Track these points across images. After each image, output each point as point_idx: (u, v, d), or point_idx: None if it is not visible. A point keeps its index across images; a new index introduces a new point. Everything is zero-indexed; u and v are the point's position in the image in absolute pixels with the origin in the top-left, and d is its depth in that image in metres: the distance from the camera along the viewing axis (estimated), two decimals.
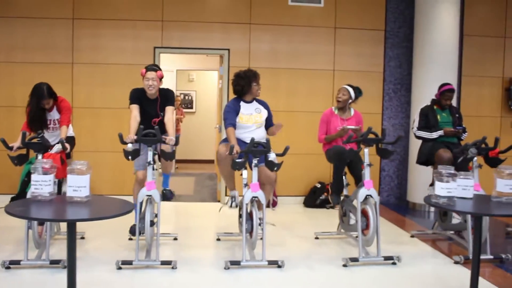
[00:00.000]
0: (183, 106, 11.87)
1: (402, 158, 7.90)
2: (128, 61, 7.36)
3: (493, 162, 5.18)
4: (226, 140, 5.13)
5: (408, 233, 6.04)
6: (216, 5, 7.55)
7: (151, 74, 5.03)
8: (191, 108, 11.95)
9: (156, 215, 4.94)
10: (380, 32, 7.82)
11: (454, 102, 7.31)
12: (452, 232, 5.67)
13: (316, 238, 5.73)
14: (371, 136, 4.98)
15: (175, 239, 5.55)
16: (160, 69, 5.14)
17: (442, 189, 3.59)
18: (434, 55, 7.30)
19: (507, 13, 8.06)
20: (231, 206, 5.34)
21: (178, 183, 9.55)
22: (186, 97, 11.98)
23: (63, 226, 5.52)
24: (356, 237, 5.16)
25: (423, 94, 7.15)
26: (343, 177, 5.42)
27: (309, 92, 7.58)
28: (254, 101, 5.30)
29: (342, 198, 5.49)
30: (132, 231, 5.29)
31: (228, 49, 7.53)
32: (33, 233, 4.68)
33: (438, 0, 7.27)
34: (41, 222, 4.78)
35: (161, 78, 5.12)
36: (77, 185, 3.33)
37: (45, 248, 4.60)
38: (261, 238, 5.48)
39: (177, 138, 4.77)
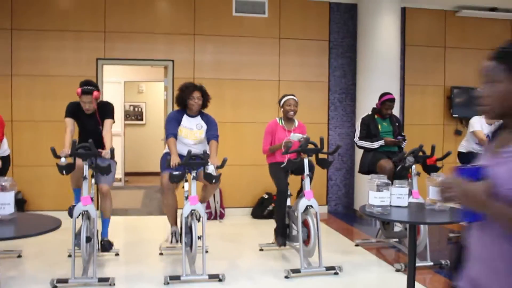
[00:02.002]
0: (132, 118, 11.70)
1: (349, 167, 7.96)
2: (70, 72, 7.17)
3: (431, 169, 5.25)
4: (167, 154, 5.03)
5: (353, 242, 6.06)
6: (159, 16, 7.46)
7: (86, 98, 4.91)
8: (141, 120, 11.78)
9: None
10: (324, 42, 7.89)
11: (396, 111, 7.46)
12: (395, 240, 5.72)
13: (261, 249, 5.69)
14: (310, 146, 4.98)
15: (117, 254, 5.41)
16: (96, 89, 4.97)
17: (375, 198, 3.61)
18: (377, 64, 7.40)
19: (446, 23, 8.28)
20: (171, 242, 5.20)
21: (126, 197, 9.38)
22: (136, 109, 11.80)
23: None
24: None
25: (368, 103, 7.20)
26: (286, 193, 5.36)
27: (254, 103, 7.56)
28: (198, 116, 5.20)
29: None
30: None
31: (173, 60, 7.45)
32: (81, 250, 4.51)
33: (379, 11, 7.39)
34: (88, 239, 4.55)
35: (97, 98, 4.97)
36: (1, 203, 3.20)
37: (91, 265, 4.54)
38: (207, 251, 5.49)
39: (111, 151, 4.66)
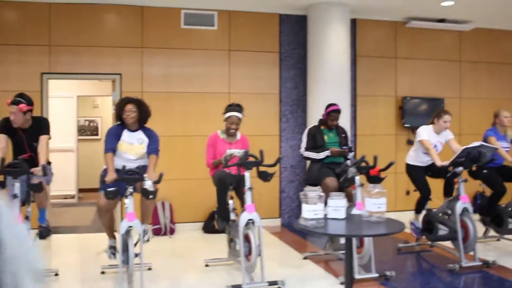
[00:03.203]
0: (88, 133, 11.47)
1: (302, 179, 7.90)
2: (13, 87, 6.89)
3: (374, 180, 5.22)
4: (106, 171, 4.89)
5: (302, 255, 5.99)
6: (106, 29, 7.31)
7: (12, 109, 4.79)
8: (97, 135, 11.54)
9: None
10: (275, 54, 7.86)
11: (348, 122, 7.47)
12: (342, 251, 5.65)
13: (206, 265, 5.56)
14: (251, 159, 4.91)
15: (56, 274, 5.21)
16: (25, 102, 4.82)
17: (308, 211, 3.54)
18: (327, 75, 7.40)
19: (396, 35, 8.36)
20: (110, 257, 5.07)
21: (78, 214, 9.15)
22: (91, 124, 11.57)
23: None
24: None
25: (319, 115, 7.13)
26: (230, 201, 5.29)
27: (204, 116, 7.44)
28: (140, 131, 5.08)
29: (229, 223, 5.36)
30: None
31: (120, 74, 7.30)
32: None
33: (328, 23, 7.40)
34: None
35: (24, 111, 4.82)
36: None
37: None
38: (150, 269, 5.36)
39: (43, 168, 4.50)
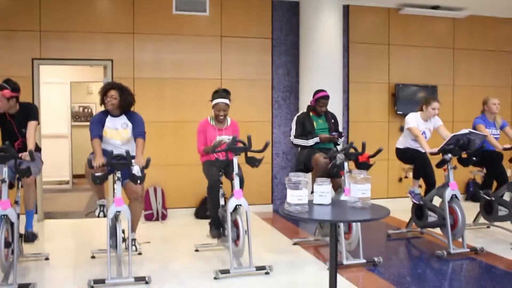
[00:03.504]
0: (82, 119, 11.46)
1: (294, 165, 7.91)
2: (4, 73, 6.82)
3: (363, 166, 5.23)
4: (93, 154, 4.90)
5: (292, 241, 6.01)
6: (97, 14, 7.27)
7: None
8: None
9: (22, 235, 4.93)
10: (267, 40, 7.84)
11: (340, 109, 7.47)
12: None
13: (196, 250, 5.60)
14: (239, 145, 4.90)
15: (47, 259, 5.26)
16: (11, 88, 4.81)
17: (292, 196, 3.54)
18: (319, 62, 7.39)
19: (389, 21, 8.33)
20: (98, 215, 5.10)
21: (71, 199, 9.18)
22: (85, 110, 11.56)
23: (26, 248, 5.30)
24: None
25: None
26: (219, 191, 5.27)
27: (196, 102, 7.41)
28: (123, 115, 5.07)
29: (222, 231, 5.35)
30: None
31: (112, 60, 7.28)
32: None
33: (320, 9, 7.37)
34: (7, 245, 4.45)
35: (7, 97, 4.80)
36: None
37: (12, 271, 4.37)
38: (140, 253, 5.39)
39: (30, 153, 4.50)
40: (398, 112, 8.18)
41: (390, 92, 8.36)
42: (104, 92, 4.96)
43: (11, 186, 4.83)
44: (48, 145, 9.73)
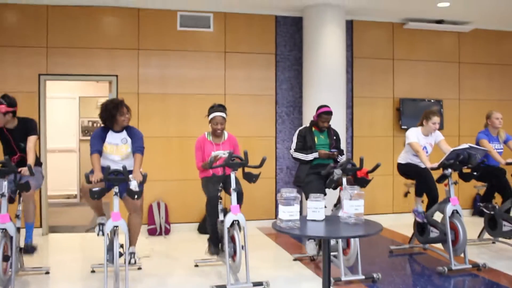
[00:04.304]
0: (91, 133, 11.55)
1: (294, 180, 7.90)
2: (11, 89, 6.98)
3: (361, 182, 5.22)
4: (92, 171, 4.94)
5: (293, 256, 5.99)
6: (103, 31, 7.38)
7: None
8: None
9: (22, 249, 4.97)
10: (271, 55, 7.89)
11: (343, 124, 7.46)
12: (331, 253, 5.65)
13: (196, 265, 5.60)
14: (236, 160, 4.92)
15: (47, 273, 5.29)
16: (3, 103, 4.87)
17: (284, 212, 3.54)
18: (323, 77, 7.40)
19: (394, 36, 8.33)
20: (98, 234, 5.13)
21: (78, 213, 9.23)
22: (94, 124, 11.66)
23: (27, 262, 5.35)
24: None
25: None
26: (218, 207, 5.28)
27: (200, 117, 7.33)
28: (123, 131, 5.13)
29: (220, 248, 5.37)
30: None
31: (117, 75, 7.37)
32: None
33: (323, 24, 7.40)
34: (6, 258, 4.50)
35: (3, 112, 4.87)
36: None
37: (10, 285, 4.42)
38: (140, 268, 5.42)
39: (29, 168, 4.56)
40: (403, 127, 8.15)
41: (395, 106, 8.34)
42: (121, 108, 4.98)
43: (11, 200, 4.91)
44: (56, 159, 9.88)
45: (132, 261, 5.14)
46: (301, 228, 3.49)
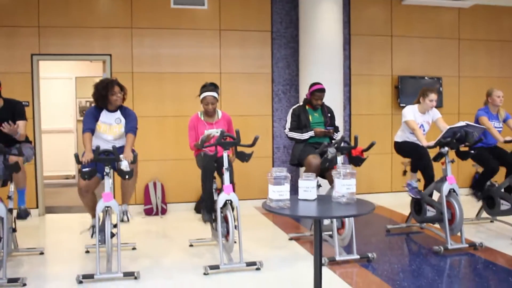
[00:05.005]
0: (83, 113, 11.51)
1: (290, 159, 7.85)
2: (3, 69, 6.96)
3: (356, 161, 5.15)
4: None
5: (288, 236, 5.96)
6: (95, 9, 7.27)
7: None
8: None
9: (14, 229, 4.94)
10: (267, 33, 7.76)
11: (340, 102, 7.37)
12: (327, 233, 5.61)
13: (191, 245, 5.58)
14: (229, 139, 4.85)
15: (41, 253, 5.31)
16: None
17: (274, 192, 3.48)
18: (319, 55, 7.29)
19: (392, 12, 8.19)
20: (92, 236, 5.07)
21: (75, 194, 9.16)
22: (92, 105, 11.58)
23: (21, 243, 5.37)
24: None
25: None
26: (213, 187, 5.23)
27: (195, 96, 7.34)
28: (118, 111, 5.06)
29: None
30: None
31: (110, 55, 7.28)
32: None
33: (320, 1, 7.27)
34: None
35: None
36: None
37: (2, 267, 4.38)
38: (134, 248, 5.41)
39: (18, 149, 4.51)
40: (401, 105, 8.04)
41: (393, 84, 8.24)
42: (111, 89, 4.91)
43: (4, 183, 4.87)
44: (53, 140, 9.84)
45: (125, 218, 5.11)
46: (291, 208, 3.43)
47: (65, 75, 10.30)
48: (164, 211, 7.33)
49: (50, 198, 8.24)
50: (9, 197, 4.93)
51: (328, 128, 5.62)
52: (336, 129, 5.76)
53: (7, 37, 7.02)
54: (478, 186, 6.28)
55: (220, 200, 4.79)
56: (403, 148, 6.01)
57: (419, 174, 5.91)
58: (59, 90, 10.32)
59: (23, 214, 5.01)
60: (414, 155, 5.83)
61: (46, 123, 9.13)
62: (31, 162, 5.52)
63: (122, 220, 5.02)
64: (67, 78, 10.35)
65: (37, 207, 7.21)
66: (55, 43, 7.16)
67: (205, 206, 5.30)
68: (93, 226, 5.08)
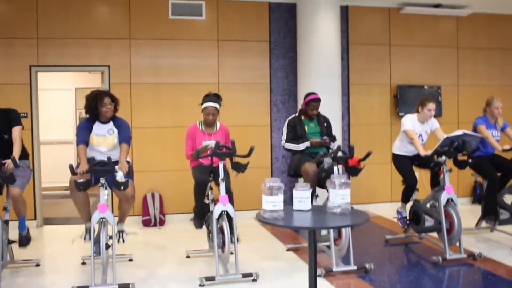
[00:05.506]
0: None
1: (287, 170, 7.83)
2: (2, 80, 6.99)
3: (353, 170, 5.13)
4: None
5: (286, 247, 5.92)
6: (94, 20, 7.29)
7: None
8: None
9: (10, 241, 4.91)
10: (265, 43, 7.77)
11: (338, 112, 7.35)
12: (325, 243, 5.58)
13: (187, 257, 5.55)
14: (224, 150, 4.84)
15: (37, 265, 5.28)
16: None
17: (267, 202, 3.46)
18: (317, 64, 7.29)
19: (390, 21, 8.20)
20: (85, 239, 5.02)
21: (73, 205, 9.18)
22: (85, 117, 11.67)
23: (17, 255, 5.36)
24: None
25: None
26: (209, 192, 5.22)
27: (194, 106, 7.24)
28: (111, 122, 5.06)
29: (206, 218, 5.32)
30: None
31: (108, 66, 7.29)
32: None
33: (317, 11, 7.28)
34: None
35: None
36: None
37: None
38: (131, 260, 5.38)
39: (13, 160, 4.50)
40: (400, 114, 8.01)
41: (392, 93, 8.22)
42: (99, 100, 4.92)
43: None
44: (53, 151, 9.85)
45: (121, 240, 5.09)
46: (285, 219, 3.41)
47: (65, 87, 10.35)
48: (162, 222, 7.30)
49: (48, 210, 8.23)
50: (5, 209, 4.94)
51: (324, 138, 5.60)
52: (333, 139, 5.74)
53: (6, 48, 7.05)
54: (490, 207, 6.07)
55: (216, 211, 4.76)
56: (397, 165, 6.01)
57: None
58: (59, 102, 10.37)
59: (24, 241, 5.01)
60: (404, 180, 5.88)
61: (46, 134, 9.16)
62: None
63: (118, 241, 4.99)
64: (67, 90, 10.39)
65: (35, 219, 7.20)
66: (53, 54, 7.18)
67: (196, 213, 5.30)
68: (87, 230, 5.02)
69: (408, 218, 5.93)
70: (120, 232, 5.12)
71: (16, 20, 7.07)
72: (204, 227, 5.39)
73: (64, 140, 10.40)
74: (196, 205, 5.25)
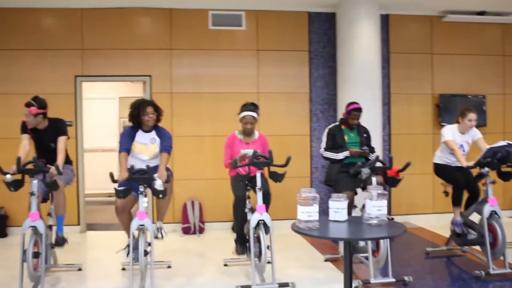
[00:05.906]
0: None
1: (324, 179, 7.76)
2: (48, 90, 7.16)
3: (392, 181, 5.05)
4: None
5: (324, 257, 5.88)
6: (136, 31, 7.47)
7: (24, 110, 4.96)
8: None
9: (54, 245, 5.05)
10: (304, 52, 7.77)
11: (379, 121, 7.27)
12: (363, 254, 5.50)
13: (225, 265, 5.58)
14: (262, 159, 4.86)
15: (79, 269, 5.43)
16: (34, 105, 4.93)
17: (302, 213, 3.46)
18: (357, 73, 7.23)
19: (432, 29, 8.06)
20: (127, 255, 5.12)
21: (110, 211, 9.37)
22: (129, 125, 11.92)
23: (60, 259, 5.50)
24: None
25: None
26: (245, 207, 5.22)
27: (233, 116, 7.35)
28: (153, 131, 5.17)
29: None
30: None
31: (150, 76, 7.45)
32: (27, 266, 4.54)
33: (357, 20, 7.23)
34: (36, 255, 4.65)
35: (34, 113, 4.94)
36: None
37: (40, 282, 4.55)
38: (169, 267, 5.44)
39: (57, 167, 4.64)
40: (443, 124, 7.82)
41: (434, 103, 8.07)
42: (143, 109, 5.04)
43: (44, 200, 5.02)
44: (97, 158, 10.09)
45: (159, 235, 5.18)
46: (321, 229, 3.40)
47: (109, 96, 10.60)
48: (201, 230, 7.37)
49: (92, 215, 8.43)
50: (49, 214, 5.12)
51: (363, 148, 5.55)
52: (372, 150, 5.68)
53: (52, 59, 7.30)
54: None
55: (253, 220, 4.78)
56: (441, 173, 5.87)
57: None
58: (103, 110, 10.62)
59: (61, 242, 5.12)
60: (453, 184, 5.70)
61: (90, 142, 9.41)
62: (74, 180, 5.66)
63: (156, 237, 5.08)
64: (111, 99, 10.64)
65: (78, 224, 7.39)
66: (97, 65, 7.40)
67: (238, 239, 5.34)
68: (128, 246, 5.15)
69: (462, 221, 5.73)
70: (159, 228, 5.21)
71: (61, 32, 7.32)
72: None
73: (107, 148, 10.64)
74: (236, 226, 5.29)
